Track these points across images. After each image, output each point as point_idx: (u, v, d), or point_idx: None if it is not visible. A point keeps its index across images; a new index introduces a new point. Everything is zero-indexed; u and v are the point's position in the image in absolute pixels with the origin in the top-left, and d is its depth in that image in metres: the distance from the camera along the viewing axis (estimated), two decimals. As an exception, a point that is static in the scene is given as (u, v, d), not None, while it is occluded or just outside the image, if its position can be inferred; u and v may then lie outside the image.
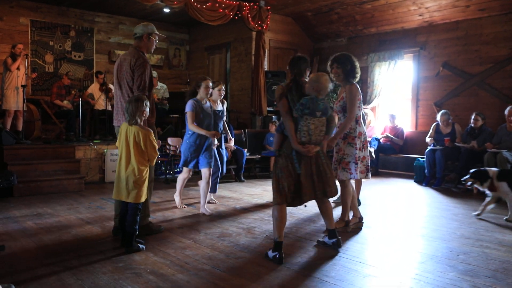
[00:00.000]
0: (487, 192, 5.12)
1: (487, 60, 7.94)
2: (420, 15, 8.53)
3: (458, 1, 7.78)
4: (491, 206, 5.17)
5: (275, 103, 9.56)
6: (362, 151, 4.47)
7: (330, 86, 3.69)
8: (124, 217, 3.86)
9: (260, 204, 5.93)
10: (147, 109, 3.83)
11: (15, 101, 7.50)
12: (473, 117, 7.32)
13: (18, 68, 7.50)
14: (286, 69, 4.15)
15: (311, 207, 5.58)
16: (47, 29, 9.76)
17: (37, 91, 9.59)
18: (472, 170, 5.24)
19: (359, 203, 5.72)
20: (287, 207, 3.67)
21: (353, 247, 3.95)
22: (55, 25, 9.85)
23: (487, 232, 4.52)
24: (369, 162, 4.59)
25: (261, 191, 6.88)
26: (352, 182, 4.68)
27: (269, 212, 5.38)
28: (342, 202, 4.56)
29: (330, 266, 3.46)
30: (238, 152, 7.84)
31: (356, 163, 4.41)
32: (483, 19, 7.96)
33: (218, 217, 5.13)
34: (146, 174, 3.85)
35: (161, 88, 9.78)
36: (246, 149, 8.15)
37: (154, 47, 4.40)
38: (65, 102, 8.58)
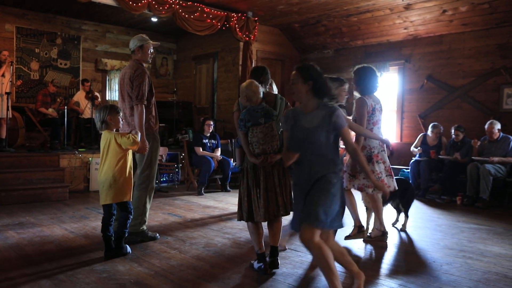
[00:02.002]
0: None
1: (470, 74, 8.10)
2: (405, 29, 8.68)
3: (442, 15, 7.95)
4: None
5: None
6: (367, 165, 4.28)
7: (261, 89, 3.55)
8: (107, 222, 3.87)
9: (246, 214, 5.92)
10: (117, 117, 3.87)
11: (-1, 109, 7.41)
12: (453, 131, 7.43)
13: (3, 75, 7.41)
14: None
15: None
16: (33, 36, 9.69)
17: (22, 99, 9.49)
18: None
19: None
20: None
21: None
22: (41, 32, 9.79)
23: (469, 243, 4.58)
24: (380, 177, 4.32)
25: (247, 201, 6.88)
26: (357, 191, 4.62)
27: (255, 222, 5.38)
28: (374, 211, 4.53)
29: (315, 277, 3.47)
30: (224, 162, 7.84)
31: (352, 175, 4.34)
32: (466, 34, 8.13)
33: (204, 227, 5.11)
34: (125, 174, 3.84)
35: (147, 97, 9.74)
36: (232, 159, 8.15)
37: (151, 55, 4.53)
38: (50, 110, 8.49)
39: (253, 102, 3.49)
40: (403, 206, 5.15)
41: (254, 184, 3.50)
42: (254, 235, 3.57)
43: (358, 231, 4.55)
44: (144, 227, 4.45)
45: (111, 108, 3.86)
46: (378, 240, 4.50)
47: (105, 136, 3.87)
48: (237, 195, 6.64)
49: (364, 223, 4.67)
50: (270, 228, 3.61)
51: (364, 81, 4.40)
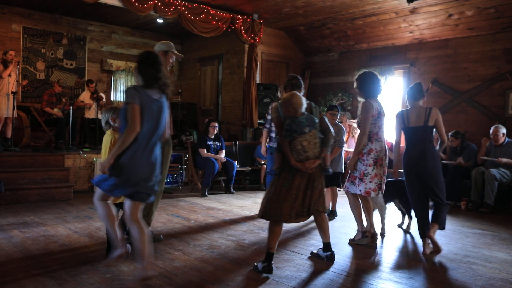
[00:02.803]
0: None
1: (476, 78, 8.08)
2: (410, 32, 8.67)
3: (448, 19, 7.94)
4: None
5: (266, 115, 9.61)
6: (372, 168, 4.32)
7: (304, 101, 3.68)
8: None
9: (249, 216, 5.92)
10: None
11: (5, 108, 7.43)
12: (449, 138, 7.40)
13: (9, 75, 7.46)
14: (280, 87, 4.26)
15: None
16: (39, 36, 9.74)
17: (28, 98, 9.53)
18: None
19: (335, 215, 5.80)
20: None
21: (341, 261, 3.96)
22: (47, 32, 9.84)
23: (474, 248, 4.56)
24: (382, 180, 4.38)
25: (251, 203, 6.88)
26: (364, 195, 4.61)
27: (259, 224, 5.38)
28: (354, 215, 4.58)
29: (318, 280, 3.46)
30: (229, 164, 7.85)
31: (361, 179, 4.35)
32: (472, 38, 8.11)
33: (207, 229, 5.12)
34: None
35: (152, 98, 9.78)
36: (236, 161, 8.15)
37: (171, 65, 4.55)
38: (56, 110, 8.53)
39: (298, 114, 3.63)
40: (403, 207, 5.25)
41: (293, 187, 3.61)
42: (274, 235, 3.64)
43: (363, 237, 4.53)
44: (149, 229, 4.46)
45: (115, 110, 3.91)
46: (360, 242, 4.51)
47: (106, 137, 3.91)
48: (240, 197, 6.71)
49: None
50: (318, 226, 3.89)
51: (366, 86, 4.43)
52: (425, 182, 4.39)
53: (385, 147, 4.47)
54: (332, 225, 5.42)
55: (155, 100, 3.16)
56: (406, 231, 5.22)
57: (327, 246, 3.92)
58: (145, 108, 3.08)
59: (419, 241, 4.80)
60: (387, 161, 4.50)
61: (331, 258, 3.89)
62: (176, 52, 4.52)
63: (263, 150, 6.26)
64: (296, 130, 3.59)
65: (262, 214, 3.66)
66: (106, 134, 3.92)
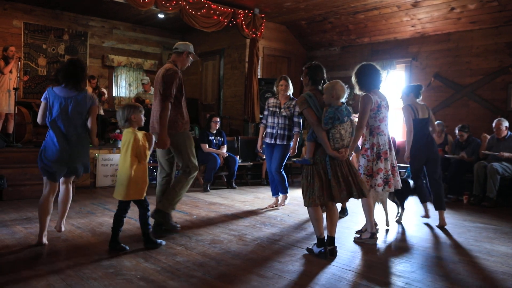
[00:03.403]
0: None
1: (478, 72, 8.05)
2: (412, 26, 8.63)
3: (450, 13, 7.90)
4: None
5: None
6: (377, 162, 4.31)
7: (346, 91, 3.82)
8: (122, 216, 3.99)
9: (251, 211, 5.93)
10: (140, 115, 3.94)
11: (6, 104, 7.45)
12: (457, 132, 7.39)
13: (10, 71, 7.46)
14: (302, 76, 4.16)
15: (302, 214, 5.61)
16: (41, 32, 9.74)
17: (29, 94, 9.55)
18: None
19: (346, 213, 5.75)
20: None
21: (344, 256, 3.96)
22: (48, 28, 9.83)
23: (476, 242, 4.56)
24: (389, 174, 4.35)
25: (253, 198, 6.88)
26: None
27: (261, 219, 5.39)
28: (364, 214, 4.52)
29: (321, 274, 3.47)
30: (230, 159, 7.85)
31: (369, 175, 4.33)
32: (474, 32, 8.07)
33: (210, 224, 5.12)
34: (131, 173, 3.84)
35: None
36: (238, 156, 8.16)
37: (188, 65, 4.81)
38: (57, 105, 8.51)
39: (339, 101, 3.77)
40: (398, 199, 5.34)
41: (333, 173, 3.76)
42: (317, 221, 3.84)
43: (371, 236, 4.42)
44: (171, 212, 4.61)
45: (135, 107, 3.94)
46: (368, 242, 4.40)
47: (127, 135, 3.89)
48: (242, 192, 6.72)
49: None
50: (329, 218, 3.91)
51: (364, 78, 4.37)
52: (432, 164, 5.37)
53: (389, 140, 4.40)
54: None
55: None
56: (398, 222, 5.32)
57: (331, 240, 3.91)
58: None
59: (419, 235, 4.81)
60: (393, 155, 4.44)
61: (333, 252, 3.88)
62: (195, 54, 4.76)
63: (259, 145, 6.28)
64: (339, 118, 3.70)
65: (318, 201, 3.75)
66: (127, 132, 3.90)
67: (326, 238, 3.92)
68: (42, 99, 4.05)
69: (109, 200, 6.42)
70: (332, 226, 3.92)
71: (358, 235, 4.54)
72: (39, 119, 4.14)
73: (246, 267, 3.61)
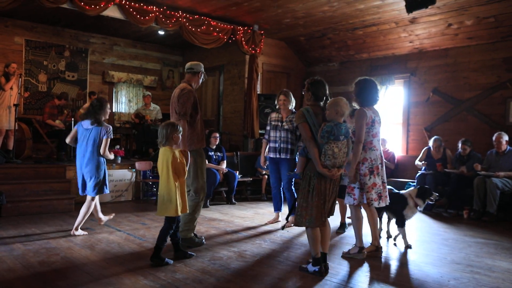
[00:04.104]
0: None
1: (476, 87, 8.10)
2: (410, 42, 8.71)
3: (447, 29, 7.98)
4: None
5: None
6: (369, 177, 4.32)
7: (349, 108, 3.82)
8: (173, 230, 4.17)
9: (251, 226, 5.91)
10: (179, 134, 4.12)
11: (7, 120, 7.47)
12: (459, 145, 7.40)
13: (11, 88, 7.50)
14: (304, 90, 4.07)
15: (302, 229, 5.58)
16: (42, 49, 9.81)
17: (29, 110, 9.58)
18: None
19: (345, 228, 5.73)
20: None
21: (343, 272, 3.94)
22: (49, 45, 9.91)
23: (477, 257, 4.54)
24: (381, 189, 4.37)
25: (253, 214, 6.86)
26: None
27: (260, 235, 5.37)
28: (353, 228, 4.51)
29: (323, 282, 3.44)
30: (230, 175, 7.84)
31: (361, 189, 4.34)
32: (472, 47, 8.14)
33: (209, 240, 5.10)
34: (176, 189, 4.03)
35: (154, 109, 9.83)
36: (237, 172, 8.15)
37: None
38: (57, 121, 8.56)
39: (341, 119, 3.75)
40: (395, 217, 5.09)
41: (320, 192, 3.73)
42: (315, 241, 3.78)
43: (359, 252, 4.39)
44: (192, 234, 4.74)
45: (176, 127, 4.10)
46: (356, 256, 4.38)
47: (165, 153, 4.03)
48: (242, 207, 6.69)
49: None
50: (322, 234, 3.85)
51: (364, 93, 4.41)
52: None
53: (380, 156, 4.43)
54: (334, 233, 5.40)
55: None
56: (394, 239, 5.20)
57: (324, 256, 3.84)
58: None
59: (422, 252, 4.78)
60: (384, 170, 4.47)
61: (326, 270, 3.81)
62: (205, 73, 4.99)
63: (262, 161, 6.26)
64: (335, 134, 3.65)
65: (318, 223, 3.74)
66: (165, 150, 4.04)
67: (313, 259, 3.84)
68: (75, 127, 5.38)
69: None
70: (325, 242, 3.87)
71: (346, 250, 4.53)
72: (67, 140, 5.39)
73: (245, 284, 3.59)
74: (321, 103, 3.96)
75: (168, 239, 4.18)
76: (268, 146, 6.07)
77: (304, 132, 3.78)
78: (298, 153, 3.98)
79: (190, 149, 4.53)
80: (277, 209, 6.15)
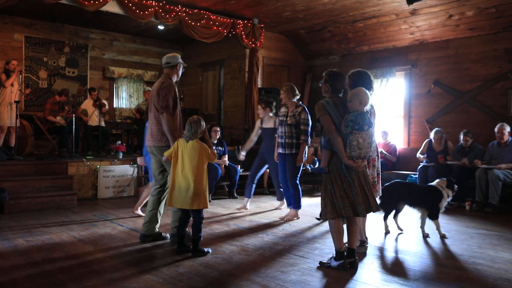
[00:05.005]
0: None
1: (477, 78, 8.07)
2: (411, 34, 8.67)
3: (448, 20, 7.94)
4: None
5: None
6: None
7: (370, 98, 3.79)
8: (184, 224, 4.29)
9: (253, 220, 5.92)
10: (205, 128, 4.31)
11: (8, 117, 7.48)
12: (461, 137, 7.38)
13: (12, 84, 7.50)
14: (322, 82, 4.03)
15: (304, 223, 5.59)
16: (41, 45, 9.80)
17: (30, 107, 9.58)
18: None
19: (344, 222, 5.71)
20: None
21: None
22: (49, 41, 9.89)
23: (479, 249, 4.54)
24: (375, 181, 4.35)
25: (254, 208, 6.87)
26: None
27: (262, 228, 5.38)
28: None
29: (323, 284, 3.45)
30: (231, 169, 7.84)
31: None
32: (473, 38, 8.11)
33: (211, 234, 5.11)
34: (205, 183, 4.25)
35: (154, 104, 9.82)
36: (239, 166, 8.15)
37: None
38: (58, 118, 8.56)
39: (363, 107, 3.69)
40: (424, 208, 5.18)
41: (349, 183, 3.68)
42: (338, 234, 3.75)
43: (360, 245, 4.37)
44: (157, 229, 4.75)
45: (203, 123, 4.24)
46: (357, 250, 4.26)
47: (195, 146, 4.17)
48: (243, 201, 6.68)
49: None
50: (349, 230, 3.81)
51: (357, 85, 4.36)
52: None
53: (376, 147, 4.41)
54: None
55: None
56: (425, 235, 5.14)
57: (352, 252, 3.79)
58: None
59: (424, 244, 4.78)
60: (379, 163, 4.45)
61: (353, 265, 3.77)
62: (183, 62, 4.85)
63: (275, 156, 6.25)
64: (359, 123, 3.58)
65: (338, 214, 3.68)
66: (195, 143, 4.18)
67: (346, 251, 3.81)
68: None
69: (111, 211, 6.41)
70: (352, 237, 3.81)
71: (346, 244, 4.51)
72: None
73: (248, 277, 3.60)
74: (340, 95, 3.92)
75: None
76: (277, 142, 6.08)
77: (327, 124, 3.71)
78: (322, 146, 3.88)
79: (166, 145, 4.51)
80: (290, 204, 6.11)
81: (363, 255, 4.28)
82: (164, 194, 4.73)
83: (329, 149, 3.74)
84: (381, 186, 4.51)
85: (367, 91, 3.79)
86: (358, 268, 3.82)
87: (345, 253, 3.79)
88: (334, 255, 3.81)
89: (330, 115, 3.70)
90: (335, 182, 3.70)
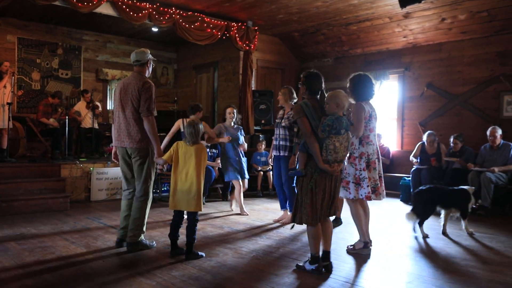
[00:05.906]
0: None
1: (470, 81, 8.13)
2: (404, 37, 8.72)
3: (441, 23, 7.99)
4: None
5: (262, 122, 9.62)
6: (365, 172, 4.29)
7: (348, 101, 3.78)
8: (177, 227, 4.30)
9: (247, 223, 5.91)
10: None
11: (1, 119, 7.41)
12: (451, 141, 7.43)
13: (4, 86, 7.44)
14: (300, 83, 4.01)
15: (298, 226, 5.59)
16: (34, 47, 9.74)
17: (23, 109, 9.52)
18: None
19: (340, 223, 5.74)
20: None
21: (340, 267, 3.95)
22: (42, 42, 9.84)
23: (472, 251, 4.56)
24: (377, 184, 4.36)
25: (248, 210, 6.85)
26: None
27: (256, 231, 5.37)
28: (355, 223, 4.49)
29: (318, 287, 3.45)
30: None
31: (357, 184, 4.31)
32: (465, 42, 8.17)
33: (205, 237, 5.10)
34: (202, 184, 4.24)
35: (148, 107, 9.79)
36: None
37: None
38: (51, 120, 8.52)
39: (341, 112, 3.68)
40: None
41: (321, 189, 3.66)
42: (315, 239, 3.74)
43: (364, 246, 4.41)
44: (143, 237, 4.51)
45: (198, 124, 4.26)
46: (361, 252, 4.40)
47: (200, 148, 4.20)
48: (237, 203, 6.67)
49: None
50: (324, 232, 3.80)
51: (359, 88, 4.39)
52: None
53: (377, 150, 4.43)
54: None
55: None
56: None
57: (326, 254, 3.82)
58: None
59: (417, 246, 4.80)
60: (380, 165, 4.46)
61: (328, 268, 3.78)
62: (153, 58, 4.77)
63: (269, 156, 6.30)
64: (336, 127, 3.56)
65: (318, 220, 3.70)
66: (201, 146, 4.22)
67: (321, 254, 3.80)
68: None
69: (104, 214, 6.38)
70: (327, 240, 3.82)
71: (351, 246, 4.52)
72: None
73: (242, 280, 3.59)
74: (318, 97, 3.89)
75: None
76: (272, 144, 6.08)
77: (303, 126, 3.66)
78: (298, 149, 3.84)
79: (145, 147, 4.39)
80: (283, 207, 6.12)
81: (367, 257, 4.29)
82: (148, 200, 4.51)
83: (305, 152, 3.71)
84: (384, 189, 4.48)
85: (346, 94, 3.78)
86: (359, 271, 3.83)
87: (320, 257, 3.78)
88: (310, 259, 3.80)
89: (307, 117, 3.66)
90: (309, 186, 3.65)
